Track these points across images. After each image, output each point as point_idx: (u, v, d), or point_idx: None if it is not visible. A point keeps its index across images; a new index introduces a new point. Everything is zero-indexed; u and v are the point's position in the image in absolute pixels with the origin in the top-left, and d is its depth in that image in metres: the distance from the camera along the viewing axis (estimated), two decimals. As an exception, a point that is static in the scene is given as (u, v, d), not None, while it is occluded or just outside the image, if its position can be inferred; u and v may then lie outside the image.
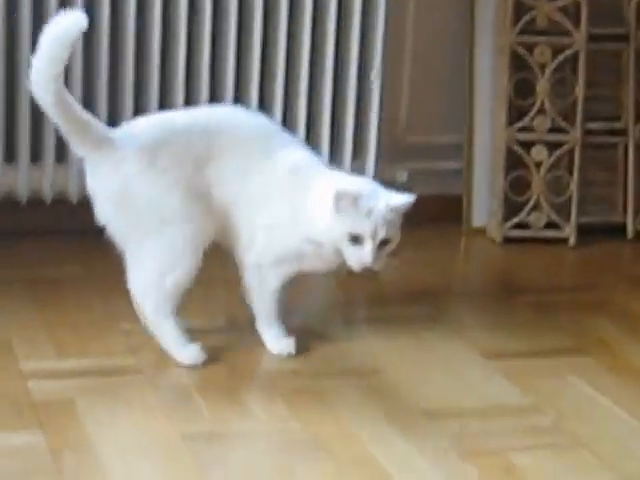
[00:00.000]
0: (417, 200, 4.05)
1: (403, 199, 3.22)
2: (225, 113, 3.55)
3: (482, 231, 4.36)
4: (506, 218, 4.31)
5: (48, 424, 3.04)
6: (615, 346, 3.63)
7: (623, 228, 4.39)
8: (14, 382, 3.23)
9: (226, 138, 3.32)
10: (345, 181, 3.30)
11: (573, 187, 4.32)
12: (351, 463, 2.94)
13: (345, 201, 3.12)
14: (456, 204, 4.37)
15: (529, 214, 4.32)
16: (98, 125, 3.27)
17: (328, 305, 3.98)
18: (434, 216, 4.32)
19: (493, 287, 4.14)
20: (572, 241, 4.32)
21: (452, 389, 3.35)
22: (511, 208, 4.32)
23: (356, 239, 3.15)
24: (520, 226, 4.32)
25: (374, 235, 3.13)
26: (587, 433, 3.16)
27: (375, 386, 3.34)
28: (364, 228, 3.13)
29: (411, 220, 4.21)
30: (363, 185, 3.30)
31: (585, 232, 4.34)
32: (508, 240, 4.31)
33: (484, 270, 4.32)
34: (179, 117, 3.44)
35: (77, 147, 3.23)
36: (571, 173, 4.31)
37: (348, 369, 3.43)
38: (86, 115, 3.23)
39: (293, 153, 3.39)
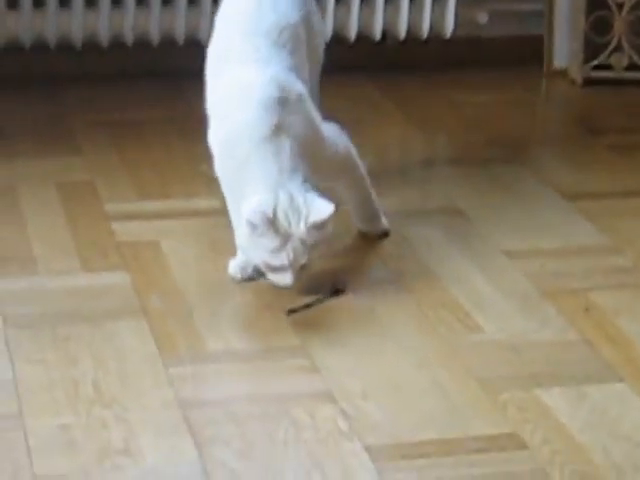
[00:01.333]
0: (498, 42, 4.04)
1: (323, 213, 2.79)
2: None
3: (563, 72, 4.33)
4: (587, 59, 4.28)
5: (133, 265, 3.07)
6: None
7: None
8: (99, 224, 3.26)
9: None
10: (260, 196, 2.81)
11: (656, 28, 4.28)
12: (432, 303, 2.96)
13: (259, 228, 2.75)
14: (537, 45, 4.34)
15: (610, 55, 4.28)
16: None
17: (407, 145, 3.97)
18: (515, 58, 4.30)
19: (573, 129, 4.12)
20: (654, 83, 4.29)
21: (532, 229, 3.35)
22: (592, 49, 4.29)
23: (272, 268, 2.84)
24: (601, 67, 4.28)
25: (293, 263, 2.80)
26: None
27: (455, 227, 3.35)
28: (282, 260, 2.80)
29: (492, 62, 4.20)
30: (277, 195, 2.79)
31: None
32: (589, 81, 4.28)
33: (565, 112, 4.29)
34: None
35: None
36: (655, 15, 4.27)
37: (428, 210, 3.44)
38: None
39: None
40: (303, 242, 2.76)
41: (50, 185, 3.45)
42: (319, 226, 2.78)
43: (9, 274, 3.02)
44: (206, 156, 3.01)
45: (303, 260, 2.79)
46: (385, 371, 2.75)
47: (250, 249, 2.86)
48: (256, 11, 3.03)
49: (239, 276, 3.02)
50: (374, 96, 4.10)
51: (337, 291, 2.96)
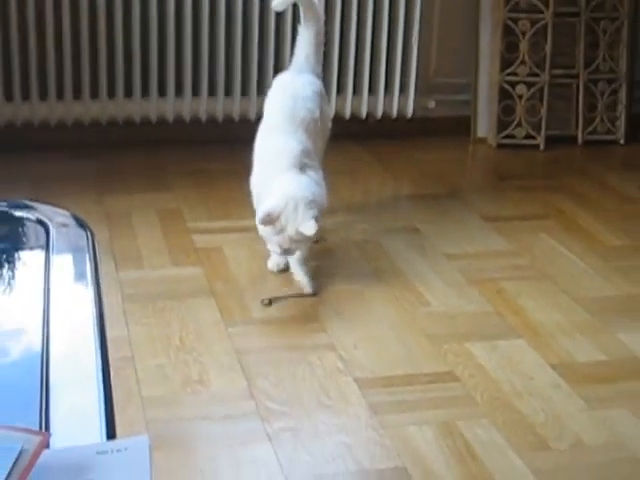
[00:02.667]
0: (441, 120, 4.02)
1: (307, 230, 2.73)
2: None
3: (483, 140, 4.32)
4: (499, 131, 4.26)
5: (205, 263, 3.07)
6: (569, 214, 3.60)
7: (575, 139, 4.33)
8: (183, 236, 3.26)
9: None
10: (279, 195, 2.81)
11: (543, 112, 4.25)
12: (399, 288, 2.97)
13: (265, 221, 2.76)
14: (466, 122, 4.32)
15: (514, 129, 4.27)
16: None
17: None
18: (452, 130, 4.29)
19: (490, 176, 4.12)
20: (541, 147, 4.26)
21: (463, 240, 3.35)
22: (502, 125, 4.27)
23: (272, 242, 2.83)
24: (508, 137, 4.27)
25: (281, 245, 2.79)
26: (550, 270, 3.16)
27: (414, 239, 3.34)
28: (276, 241, 2.80)
29: (438, 133, 4.19)
30: (286, 203, 2.76)
31: (550, 141, 4.28)
32: (500, 146, 4.26)
33: (484, 165, 4.28)
34: None
35: None
36: (542, 102, 4.25)
37: (396, 227, 3.43)
38: None
39: None
40: (290, 237, 2.74)
41: (152, 211, 3.46)
42: (302, 235, 2.73)
43: (126, 268, 3.02)
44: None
45: (286, 246, 2.78)
46: (369, 331, 2.76)
47: (261, 228, 2.81)
48: (293, 106, 3.04)
49: (274, 269, 3.01)
50: (362, 155, 4.09)
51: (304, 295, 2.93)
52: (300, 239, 2.76)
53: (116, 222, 3.34)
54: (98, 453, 0.92)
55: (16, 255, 1.45)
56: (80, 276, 1.37)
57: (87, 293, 1.30)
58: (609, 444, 2.30)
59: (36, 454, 0.88)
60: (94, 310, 1.23)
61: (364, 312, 2.85)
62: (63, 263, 1.40)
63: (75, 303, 1.28)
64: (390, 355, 2.64)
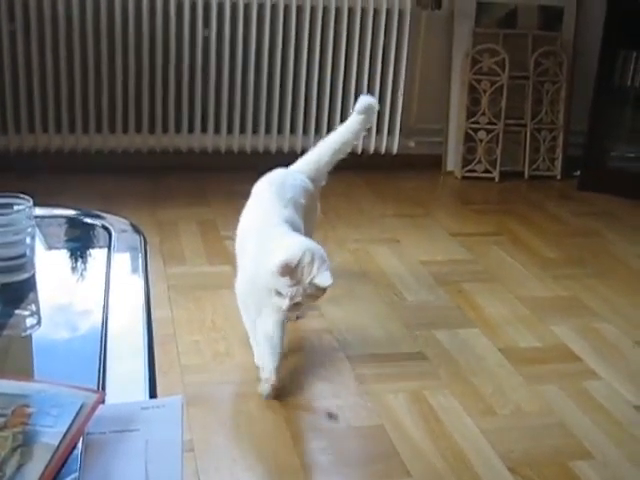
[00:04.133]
0: (419, 156, 4.00)
1: (324, 282, 2.07)
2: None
3: (451, 173, 4.31)
4: (463, 166, 4.25)
5: (233, 263, 3.05)
6: (516, 232, 3.59)
7: (522, 173, 4.32)
8: (218, 241, 3.25)
9: None
10: (293, 247, 2.12)
11: (498, 152, 4.24)
12: (382, 286, 2.95)
13: (284, 271, 2.07)
14: (438, 159, 4.32)
15: (475, 165, 4.26)
16: None
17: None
18: (427, 165, 4.29)
19: (456, 201, 4.09)
20: (496, 179, 4.25)
21: (433, 250, 3.33)
22: (466, 161, 4.26)
23: (280, 294, 2.11)
24: (470, 171, 4.26)
25: (292, 298, 2.10)
26: (500, 274, 3.15)
27: (394, 247, 3.33)
28: (286, 293, 2.10)
29: (416, 167, 4.17)
30: (304, 253, 2.10)
31: (503, 175, 4.27)
32: (464, 177, 4.25)
33: (451, 192, 4.25)
34: None
35: None
36: (497, 145, 4.24)
37: (381, 239, 3.42)
38: None
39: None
40: (304, 290, 2.09)
41: (193, 222, 3.45)
42: (316, 287, 2.10)
43: (172, 265, 3.01)
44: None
45: (298, 299, 2.11)
46: (358, 319, 2.74)
47: (272, 282, 2.11)
48: (282, 186, 2.46)
49: (265, 394, 2.29)
50: (357, 182, 4.08)
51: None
52: (313, 292, 2.12)
53: (165, 229, 3.33)
54: (142, 409, 0.92)
55: (86, 253, 1.46)
56: (134, 270, 1.37)
57: (139, 283, 1.30)
58: (542, 411, 2.29)
59: (94, 408, 0.88)
60: (143, 296, 1.23)
61: (355, 304, 2.84)
62: (121, 260, 1.40)
63: (129, 290, 1.29)
64: (374, 338, 2.63)
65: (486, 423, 2.21)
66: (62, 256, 1.43)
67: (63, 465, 0.80)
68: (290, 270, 2.07)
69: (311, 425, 2.16)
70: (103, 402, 0.92)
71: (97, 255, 1.44)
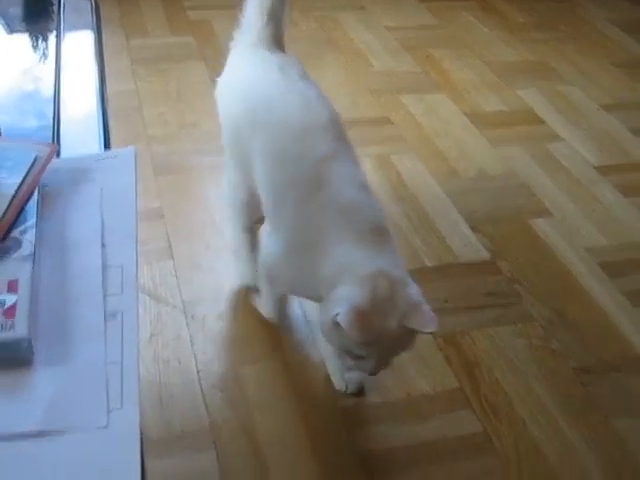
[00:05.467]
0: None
1: (425, 326, 1.25)
2: None
3: None
4: None
5: (197, 33, 2.97)
6: (486, -4, 3.48)
7: None
8: (181, 12, 3.12)
9: None
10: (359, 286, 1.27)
11: None
12: (350, 56, 2.88)
13: (363, 331, 1.23)
14: None
15: None
16: None
17: None
18: None
19: None
20: None
21: (400, 16, 3.24)
22: None
23: (358, 357, 1.31)
24: None
25: (381, 355, 1.31)
26: (468, 39, 3.09)
27: (362, 15, 3.24)
28: (370, 353, 1.29)
29: None
30: (376, 284, 1.26)
31: None
32: None
33: None
34: None
35: None
36: None
37: (346, 5, 3.32)
38: None
39: None
40: (394, 338, 1.27)
41: None
42: (411, 333, 1.29)
43: (134, 38, 2.91)
44: None
45: (384, 358, 1.33)
46: (324, 87, 2.69)
47: (333, 338, 1.32)
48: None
49: (345, 389, 1.61)
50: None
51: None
52: (402, 343, 1.31)
53: (125, 2, 3.20)
54: (96, 160, 0.92)
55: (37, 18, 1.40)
56: (85, 26, 1.32)
57: (90, 36, 1.25)
58: (505, 174, 2.33)
59: (48, 159, 0.88)
60: (93, 47, 1.19)
61: (321, 73, 2.79)
62: (72, 19, 1.34)
63: (80, 48, 1.24)
64: (340, 104, 2.58)
65: (450, 185, 2.24)
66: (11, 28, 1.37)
67: (19, 214, 0.81)
68: (364, 320, 1.24)
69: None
70: (58, 155, 0.91)
71: (48, 20, 1.39)
